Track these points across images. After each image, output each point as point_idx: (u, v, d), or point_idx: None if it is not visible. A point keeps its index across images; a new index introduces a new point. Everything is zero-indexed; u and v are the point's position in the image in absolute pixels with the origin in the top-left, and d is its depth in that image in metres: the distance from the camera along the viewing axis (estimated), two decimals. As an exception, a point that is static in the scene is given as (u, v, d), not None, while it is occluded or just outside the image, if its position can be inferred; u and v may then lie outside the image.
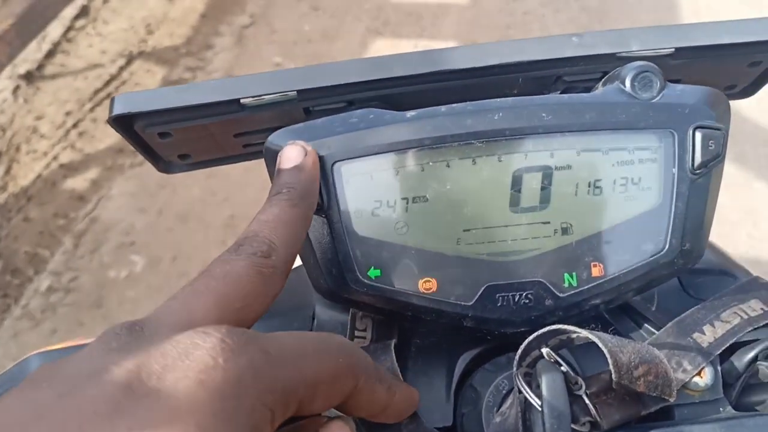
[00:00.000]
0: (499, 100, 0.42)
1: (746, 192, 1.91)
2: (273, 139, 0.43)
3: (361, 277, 0.41)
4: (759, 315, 0.42)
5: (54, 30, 2.44)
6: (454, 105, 0.42)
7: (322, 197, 0.41)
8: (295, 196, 0.38)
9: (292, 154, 0.40)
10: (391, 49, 2.41)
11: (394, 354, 0.42)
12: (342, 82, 0.45)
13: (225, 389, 0.26)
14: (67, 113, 2.21)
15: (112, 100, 0.45)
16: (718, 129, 0.41)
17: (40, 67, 2.36)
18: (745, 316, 0.42)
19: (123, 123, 0.46)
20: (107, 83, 2.30)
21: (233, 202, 1.95)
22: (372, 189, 0.41)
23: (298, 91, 0.45)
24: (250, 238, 0.35)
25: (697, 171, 0.41)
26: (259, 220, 0.36)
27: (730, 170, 1.92)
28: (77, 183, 2.04)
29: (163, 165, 0.53)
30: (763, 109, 1.94)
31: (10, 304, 1.75)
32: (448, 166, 0.41)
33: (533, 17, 2.56)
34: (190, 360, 0.27)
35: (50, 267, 1.84)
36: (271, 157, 0.42)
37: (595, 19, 2.54)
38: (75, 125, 2.17)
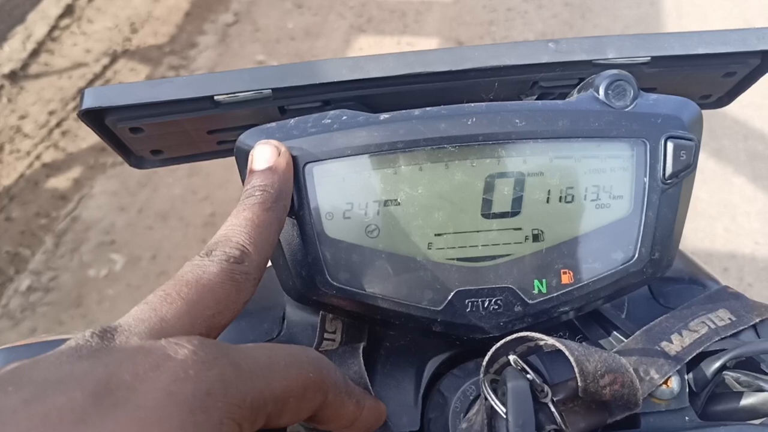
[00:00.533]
0: (473, 104, 0.42)
1: (724, 186, 1.93)
2: (244, 138, 0.42)
3: (330, 279, 0.41)
4: (726, 325, 0.42)
5: (39, 29, 2.42)
6: (428, 108, 0.41)
7: (293, 198, 0.41)
8: (268, 198, 0.37)
9: (265, 155, 0.39)
10: (374, 45, 2.42)
11: (362, 359, 0.41)
12: (318, 82, 0.45)
13: (194, 403, 0.25)
14: (51, 112, 2.19)
15: (82, 94, 0.45)
16: (690, 140, 0.41)
17: (25, 66, 2.34)
18: (713, 326, 0.42)
19: (93, 117, 0.45)
20: (91, 82, 2.28)
21: (213, 200, 1.94)
22: (344, 191, 0.41)
23: (273, 89, 0.45)
24: (222, 243, 0.34)
25: (668, 181, 0.41)
26: (232, 223, 0.36)
27: (708, 165, 1.95)
28: (59, 182, 2.02)
29: (135, 160, 0.52)
30: (741, 105, 1.96)
31: (-10, 304, 1.74)
32: (420, 169, 0.41)
33: (516, 13, 2.57)
34: (160, 371, 0.26)
35: (31, 266, 1.82)
36: (242, 157, 0.42)
37: (577, 14, 2.54)
38: (58, 124, 2.16)
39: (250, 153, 0.40)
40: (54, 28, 2.45)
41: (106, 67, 2.33)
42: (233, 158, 0.44)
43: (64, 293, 1.76)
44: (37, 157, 2.07)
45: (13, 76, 2.29)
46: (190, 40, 2.44)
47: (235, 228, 0.35)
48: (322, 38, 2.47)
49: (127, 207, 1.94)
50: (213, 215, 1.90)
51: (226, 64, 2.34)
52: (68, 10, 2.51)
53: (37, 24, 2.39)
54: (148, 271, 1.79)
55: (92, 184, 2.01)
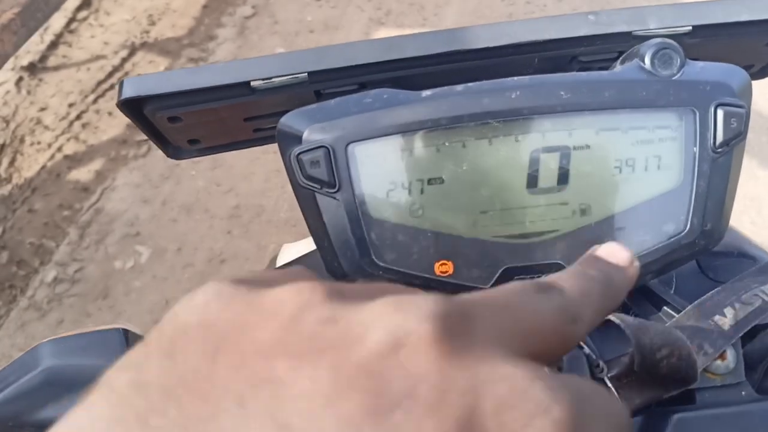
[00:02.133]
0: (516, 78, 0.41)
1: (749, 180, 1.90)
2: (286, 120, 0.42)
3: (376, 260, 0.41)
4: None
5: (56, 21, 2.42)
6: (470, 84, 0.41)
7: (336, 179, 0.40)
8: (610, 292, 0.31)
9: (623, 255, 0.33)
10: (394, 38, 2.40)
11: None
12: (353, 64, 0.45)
13: None
14: (71, 105, 2.20)
15: (121, 84, 0.45)
16: (740, 107, 0.40)
17: (43, 58, 2.34)
18: (767, 298, 0.41)
19: (132, 107, 0.45)
20: (110, 75, 2.28)
21: (238, 193, 1.94)
22: (387, 171, 0.41)
23: (309, 73, 0.44)
24: (556, 291, 0.28)
25: (719, 150, 0.40)
26: (568, 280, 0.29)
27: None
28: (81, 174, 2.03)
29: (173, 150, 0.52)
30: (766, 96, 1.93)
31: (17, 295, 1.75)
32: (464, 146, 0.40)
33: (535, 6, 2.54)
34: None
35: (56, 258, 1.84)
36: (284, 140, 0.42)
37: (597, 6, 2.51)
38: (78, 117, 2.16)
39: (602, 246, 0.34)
40: (72, 20, 2.46)
41: (124, 60, 2.33)
42: (259, 150, 0.44)
43: (91, 285, 1.77)
44: (59, 149, 2.08)
45: (32, 69, 2.30)
46: (208, 32, 2.44)
47: (574, 291, 0.28)
48: (342, 31, 2.45)
49: (150, 199, 1.95)
50: (237, 207, 1.90)
51: (245, 56, 2.33)
52: (86, 3, 2.51)
53: (54, 16, 2.40)
54: (174, 263, 1.80)
55: (114, 176, 2.01)
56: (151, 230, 1.88)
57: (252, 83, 0.45)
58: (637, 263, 0.33)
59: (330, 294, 0.21)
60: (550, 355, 0.25)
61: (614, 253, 0.33)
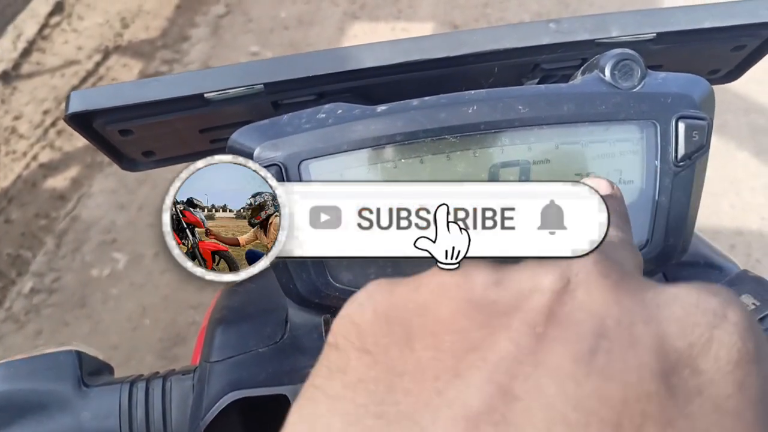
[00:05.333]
0: (473, 92, 0.40)
1: (728, 162, 1.90)
2: (236, 137, 0.41)
3: (332, 281, 0.40)
4: (751, 310, 0.41)
5: (29, 28, 2.39)
6: (426, 98, 0.40)
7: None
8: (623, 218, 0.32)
9: (602, 185, 0.34)
10: (368, 32, 2.38)
11: None
12: (311, 74, 0.44)
13: None
14: (45, 112, 2.17)
15: (68, 98, 0.43)
16: (702, 119, 0.39)
17: (16, 66, 2.31)
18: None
19: (81, 121, 0.44)
20: (84, 79, 2.25)
21: (215, 194, 1.92)
22: (342, 188, 0.39)
23: (264, 84, 0.43)
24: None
25: (681, 163, 0.39)
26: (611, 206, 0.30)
27: (712, 141, 1.92)
28: (57, 182, 2.00)
29: (127, 163, 0.51)
30: (744, 78, 1.94)
31: (-6, 307, 1.73)
32: (421, 162, 0.39)
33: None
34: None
35: (33, 268, 1.81)
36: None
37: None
38: (53, 124, 2.13)
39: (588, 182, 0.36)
40: (44, 26, 2.42)
41: (98, 64, 2.30)
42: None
43: (68, 294, 1.75)
44: (34, 158, 2.05)
45: (6, 77, 2.26)
46: (182, 33, 2.41)
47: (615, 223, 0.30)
48: (316, 26, 2.43)
49: (126, 205, 1.92)
50: (214, 208, 1.88)
51: (220, 56, 2.31)
52: (58, 8, 2.48)
53: (26, 23, 2.36)
54: (152, 268, 1.77)
55: (90, 183, 1.99)
56: (128, 236, 1.86)
57: (206, 95, 0.43)
58: (616, 186, 0.34)
59: (478, 263, 0.23)
60: None
61: (598, 185, 0.33)
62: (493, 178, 0.39)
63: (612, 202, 0.31)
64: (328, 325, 0.43)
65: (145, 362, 1.57)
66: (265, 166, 0.38)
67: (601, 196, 0.28)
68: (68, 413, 0.44)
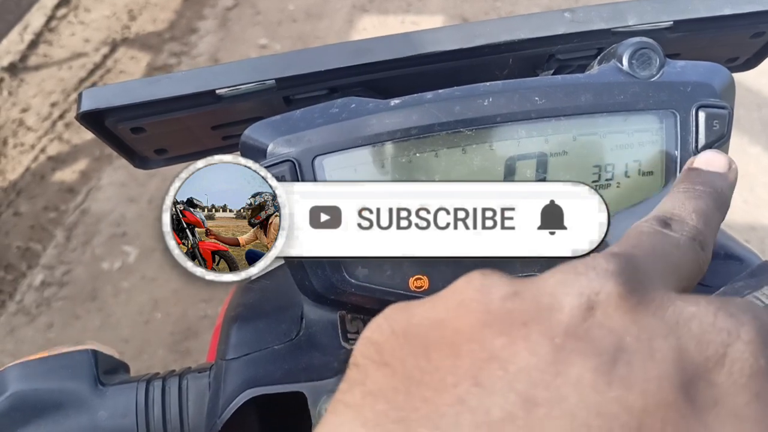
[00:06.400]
0: (488, 84, 0.39)
1: (741, 157, 1.88)
2: (249, 132, 0.40)
3: (348, 277, 0.39)
4: None
5: (36, 20, 2.39)
6: (440, 91, 0.39)
7: (304, 194, 0.39)
8: (720, 201, 0.32)
9: (721, 161, 0.35)
10: (378, 26, 2.36)
11: None
12: (322, 69, 0.43)
13: None
14: (53, 104, 2.17)
15: (80, 96, 0.43)
16: (723, 108, 0.38)
17: (23, 58, 2.31)
18: (762, 304, 0.40)
19: (93, 119, 0.44)
20: (92, 72, 2.25)
21: (224, 188, 1.92)
22: (357, 183, 0.39)
23: (276, 79, 0.43)
24: (678, 222, 0.29)
25: (701, 153, 0.39)
26: (683, 205, 0.31)
27: (725, 136, 1.91)
28: (66, 175, 2.01)
29: (139, 161, 0.51)
30: (756, 73, 1.92)
31: (5, 300, 1.73)
32: (436, 156, 0.39)
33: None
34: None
35: (43, 261, 1.82)
36: (248, 153, 0.40)
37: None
38: (61, 116, 2.13)
39: (704, 156, 0.35)
40: (51, 18, 2.42)
41: (106, 57, 2.30)
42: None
43: (79, 287, 1.75)
44: (42, 150, 2.05)
45: (13, 69, 2.26)
46: (189, 25, 2.40)
47: (689, 212, 0.30)
48: (325, 19, 2.42)
49: (136, 198, 1.92)
50: (223, 205, 1.88)
51: (228, 49, 2.30)
52: (64, 0, 2.48)
53: (34, 15, 2.36)
54: (163, 262, 1.77)
55: (100, 175, 1.99)
56: (139, 229, 1.86)
57: (218, 91, 0.43)
58: (734, 165, 0.35)
59: (494, 274, 0.23)
60: (691, 284, 0.28)
61: (711, 161, 0.35)
62: (510, 171, 0.39)
63: (717, 182, 0.33)
64: (343, 321, 0.43)
65: (156, 356, 1.57)
66: (279, 162, 0.38)
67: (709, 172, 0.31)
68: (84, 412, 0.44)
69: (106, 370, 0.47)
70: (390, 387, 0.21)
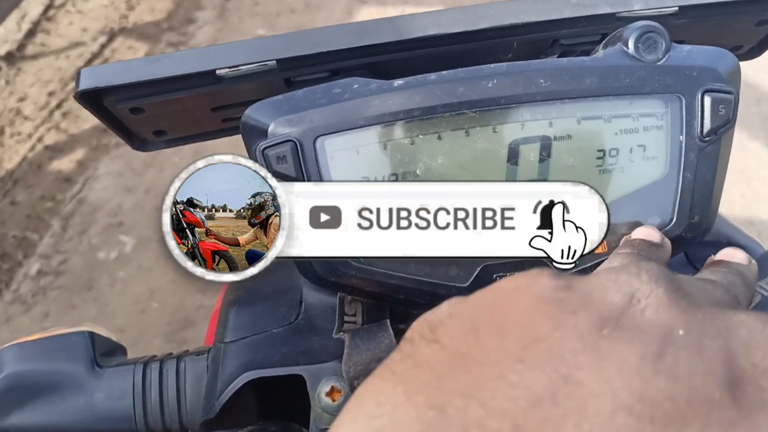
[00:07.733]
0: (492, 65, 0.39)
1: (739, 152, 1.88)
2: (250, 112, 0.40)
3: (350, 260, 0.39)
4: None
5: (33, 9, 2.38)
6: (444, 72, 0.39)
7: (304, 175, 0.38)
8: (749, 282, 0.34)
9: (740, 255, 0.36)
10: (376, 17, 2.35)
11: (392, 332, 0.40)
12: (325, 50, 0.43)
13: None
14: (50, 93, 2.16)
15: (78, 74, 0.42)
16: (729, 92, 0.38)
17: (21, 47, 2.29)
18: (765, 294, 0.40)
19: (91, 99, 0.43)
20: (89, 61, 2.24)
21: (222, 179, 1.91)
22: (358, 165, 0.39)
23: (277, 60, 0.42)
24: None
25: (707, 138, 0.38)
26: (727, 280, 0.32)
27: (723, 130, 1.90)
28: (63, 164, 2.00)
29: (138, 143, 0.50)
30: (754, 68, 1.92)
31: (1, 289, 1.73)
32: (439, 138, 0.38)
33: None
34: None
35: (39, 250, 1.81)
36: (249, 133, 0.40)
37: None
38: (59, 105, 2.12)
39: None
40: (49, 7, 2.40)
41: (103, 46, 2.28)
42: (239, 137, 0.42)
43: (75, 276, 1.75)
44: (39, 140, 2.04)
45: (10, 58, 2.25)
46: (188, 15, 2.39)
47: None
48: (323, 10, 2.41)
49: (133, 188, 1.92)
50: (221, 192, 1.88)
51: (226, 39, 2.29)
52: (62, -11, 2.47)
53: (31, 4, 2.35)
54: (159, 252, 1.77)
55: (96, 165, 1.98)
56: (135, 219, 1.85)
57: (218, 72, 0.42)
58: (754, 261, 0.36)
59: (549, 270, 0.24)
60: None
61: (734, 254, 0.36)
62: (513, 154, 0.38)
63: (745, 273, 0.33)
64: (343, 303, 0.43)
65: (153, 345, 1.57)
66: (280, 143, 0.38)
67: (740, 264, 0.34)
68: (81, 394, 0.44)
69: (103, 352, 0.46)
70: (437, 360, 0.22)
